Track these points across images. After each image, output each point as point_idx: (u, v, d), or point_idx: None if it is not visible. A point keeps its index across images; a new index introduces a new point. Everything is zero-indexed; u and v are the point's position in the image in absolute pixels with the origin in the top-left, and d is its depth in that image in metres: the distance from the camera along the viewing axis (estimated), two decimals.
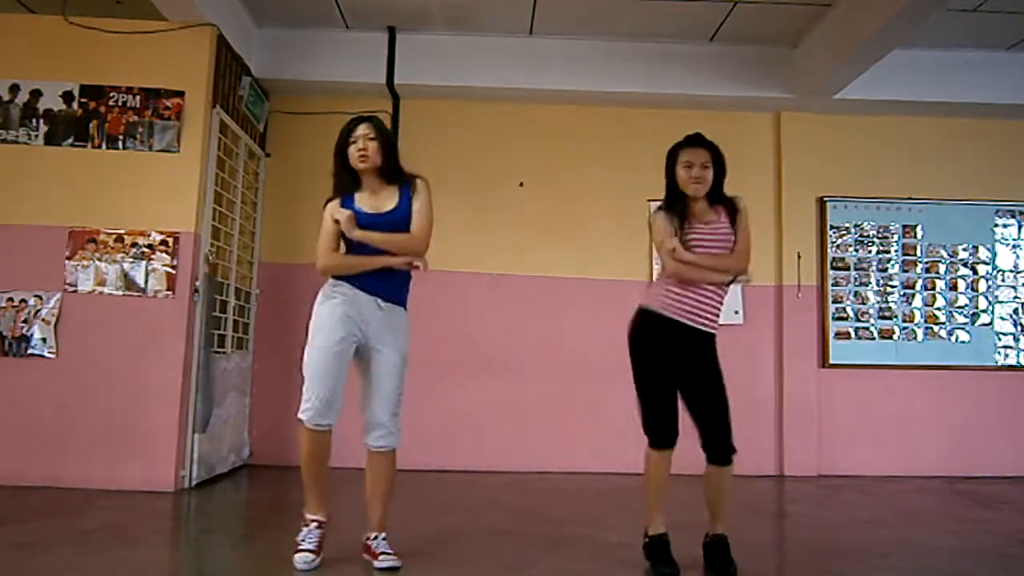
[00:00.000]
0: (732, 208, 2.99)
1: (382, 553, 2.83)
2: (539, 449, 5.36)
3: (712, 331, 2.90)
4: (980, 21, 4.96)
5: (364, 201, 2.94)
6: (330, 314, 2.85)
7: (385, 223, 2.91)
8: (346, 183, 2.97)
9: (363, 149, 2.91)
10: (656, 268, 5.54)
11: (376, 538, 2.89)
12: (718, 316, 2.93)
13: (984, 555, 3.31)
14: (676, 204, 2.95)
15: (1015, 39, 5.25)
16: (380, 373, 2.91)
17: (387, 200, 2.96)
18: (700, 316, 2.87)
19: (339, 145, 2.97)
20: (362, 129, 2.95)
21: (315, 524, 2.88)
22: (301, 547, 2.80)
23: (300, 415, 2.83)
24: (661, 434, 2.86)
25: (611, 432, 5.33)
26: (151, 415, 4.26)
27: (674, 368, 2.86)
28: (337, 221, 2.86)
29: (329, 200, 2.98)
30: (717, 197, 2.98)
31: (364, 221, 2.88)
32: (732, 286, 2.98)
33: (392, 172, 3.00)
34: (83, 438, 4.24)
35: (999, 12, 4.84)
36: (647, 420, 2.89)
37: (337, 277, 2.92)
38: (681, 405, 2.90)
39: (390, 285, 2.95)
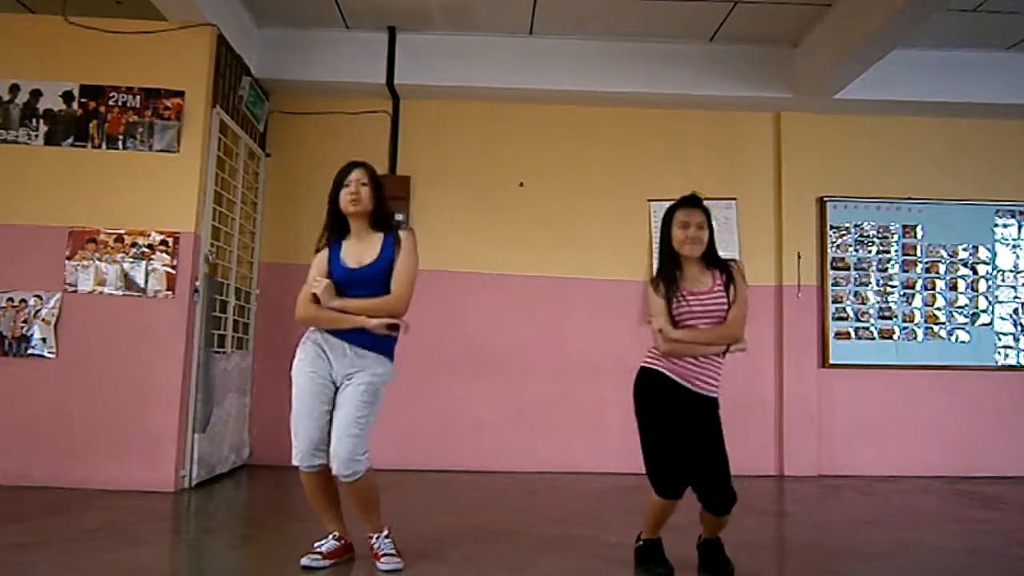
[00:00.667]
0: (727, 273, 2.92)
1: (385, 555, 2.85)
2: (539, 449, 5.36)
3: (714, 395, 2.87)
4: (980, 21, 4.96)
5: (349, 251, 2.96)
6: (304, 358, 2.89)
7: (363, 278, 2.91)
8: (336, 228, 2.99)
9: (355, 193, 2.92)
10: (655, 268, 5.55)
11: (377, 538, 2.90)
12: (719, 380, 2.89)
13: (984, 555, 3.31)
14: (670, 267, 2.91)
15: (1015, 39, 5.25)
16: (340, 403, 2.86)
17: (370, 249, 2.95)
18: (701, 381, 2.84)
19: (334, 188, 2.98)
20: (356, 174, 2.96)
21: (333, 536, 2.92)
22: (314, 549, 2.85)
23: (293, 460, 2.85)
24: (669, 486, 2.81)
25: (611, 432, 5.34)
26: (151, 415, 4.26)
27: (678, 424, 2.83)
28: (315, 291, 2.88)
29: (318, 248, 3.01)
30: (713, 259, 2.93)
31: (341, 276, 2.90)
32: (728, 355, 2.91)
33: (379, 220, 2.99)
34: (83, 438, 4.24)
35: (999, 12, 4.84)
36: (654, 472, 2.84)
37: (315, 328, 2.94)
38: None
39: (362, 335, 2.90)
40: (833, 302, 5.58)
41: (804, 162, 5.65)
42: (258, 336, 5.42)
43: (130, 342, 4.32)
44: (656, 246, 2.98)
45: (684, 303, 2.85)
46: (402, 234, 3.01)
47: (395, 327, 2.96)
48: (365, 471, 2.81)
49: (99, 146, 4.43)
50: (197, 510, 4.01)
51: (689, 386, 2.83)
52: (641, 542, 2.96)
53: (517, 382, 5.42)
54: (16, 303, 4.31)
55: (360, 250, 2.95)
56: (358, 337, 2.88)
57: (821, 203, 5.64)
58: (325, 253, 2.99)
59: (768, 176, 5.67)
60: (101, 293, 4.35)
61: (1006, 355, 5.59)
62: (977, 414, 5.52)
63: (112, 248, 4.37)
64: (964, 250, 5.67)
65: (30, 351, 4.28)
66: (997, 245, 5.69)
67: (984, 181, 5.70)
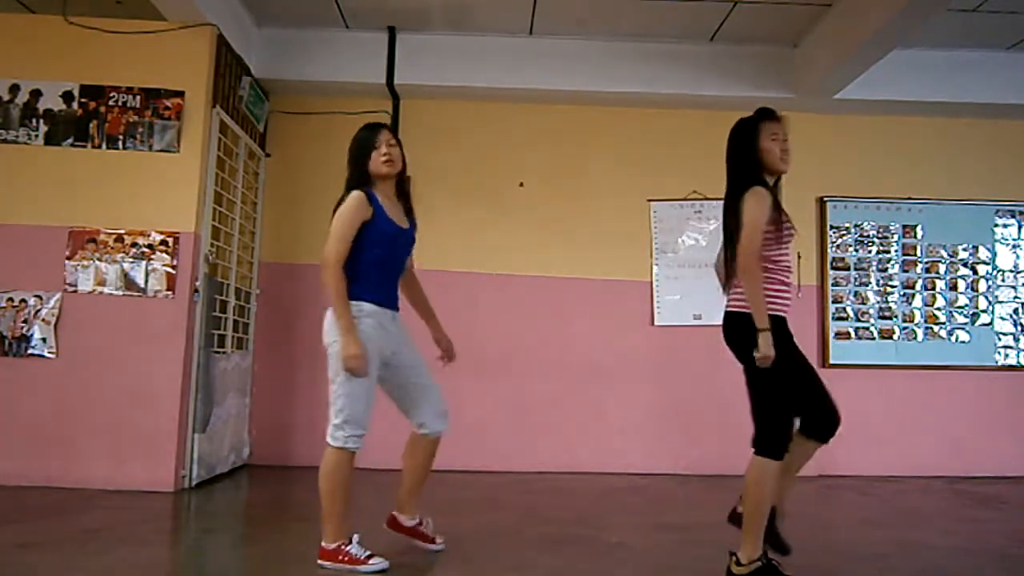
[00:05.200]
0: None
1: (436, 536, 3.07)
2: (539, 449, 5.36)
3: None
4: (980, 21, 4.96)
5: (388, 208, 2.94)
6: (365, 339, 2.79)
7: (408, 240, 3.01)
8: (357, 181, 2.95)
9: (388, 154, 2.93)
10: (655, 267, 5.55)
11: (422, 522, 3.10)
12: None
13: (984, 555, 3.31)
14: (765, 184, 2.68)
15: (1015, 39, 5.25)
16: (409, 375, 3.00)
17: (400, 215, 3.00)
18: (790, 303, 2.74)
19: (360, 150, 2.96)
20: (385, 135, 2.98)
21: (356, 538, 2.95)
22: (371, 556, 2.84)
23: (346, 444, 2.91)
24: (785, 445, 2.62)
25: (611, 432, 5.34)
26: (151, 415, 4.26)
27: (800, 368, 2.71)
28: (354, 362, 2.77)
29: (349, 190, 2.89)
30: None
31: (391, 231, 2.91)
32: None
33: (402, 186, 3.07)
34: (83, 438, 4.24)
35: (999, 12, 4.84)
36: (781, 430, 2.61)
37: (366, 296, 2.87)
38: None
39: (396, 296, 3.04)
40: (833, 302, 5.58)
41: (804, 162, 5.61)
42: (258, 336, 5.41)
43: (130, 342, 4.32)
44: (732, 164, 2.78)
45: (788, 225, 2.67)
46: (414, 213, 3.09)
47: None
48: None
49: (99, 146, 4.43)
50: (197, 510, 4.01)
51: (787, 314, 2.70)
52: (759, 561, 2.60)
53: (518, 382, 5.42)
54: (16, 303, 4.31)
55: (395, 211, 2.97)
56: (397, 300, 3.04)
57: (821, 203, 5.64)
58: (363, 198, 2.83)
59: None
60: (101, 293, 4.35)
61: (1006, 355, 5.59)
62: (977, 414, 5.51)
63: (112, 248, 4.37)
64: (964, 250, 5.67)
65: (30, 351, 4.28)
66: (997, 245, 5.69)
67: (984, 181, 5.70)
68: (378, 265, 2.90)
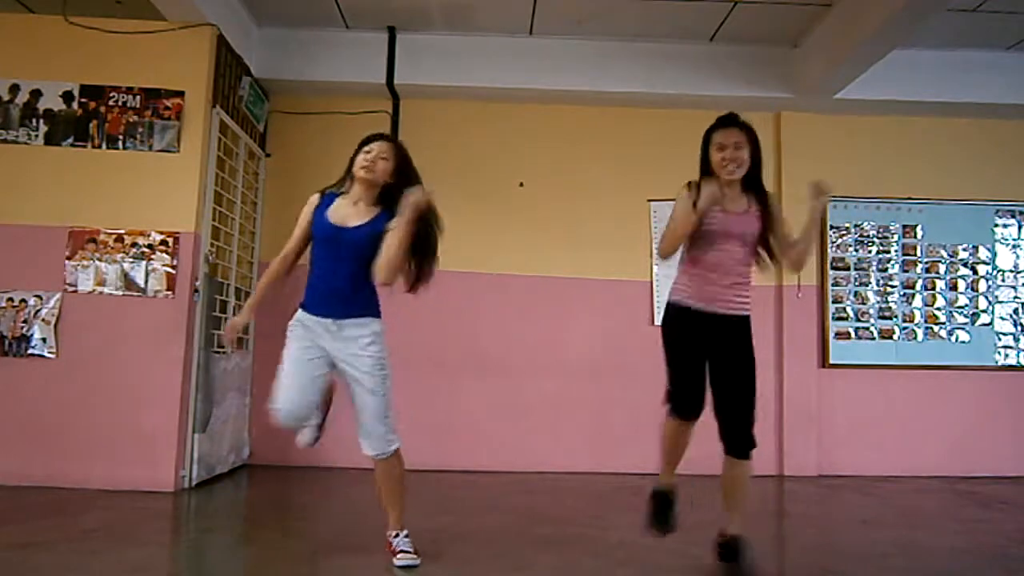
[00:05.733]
0: (764, 201, 2.89)
1: (401, 551, 2.88)
2: (539, 449, 5.36)
3: (740, 314, 2.86)
4: (980, 21, 4.96)
5: (338, 210, 2.92)
6: (287, 344, 2.96)
7: (340, 239, 2.87)
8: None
9: (371, 163, 2.88)
10: (655, 267, 5.55)
11: (396, 536, 2.94)
12: (745, 300, 2.88)
13: (984, 555, 3.31)
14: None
15: (1015, 39, 5.25)
16: (351, 388, 2.91)
17: (360, 216, 2.90)
18: (724, 301, 2.83)
19: (355, 152, 2.97)
20: (379, 145, 2.93)
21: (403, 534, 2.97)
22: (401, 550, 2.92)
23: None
24: (683, 402, 2.83)
25: (611, 432, 5.34)
26: (151, 415, 4.25)
27: (703, 351, 2.85)
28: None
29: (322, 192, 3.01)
30: (752, 183, 2.87)
31: (321, 232, 2.90)
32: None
33: (385, 198, 2.92)
34: (83, 438, 4.24)
35: (999, 12, 4.84)
36: (672, 388, 2.86)
37: (301, 304, 2.96)
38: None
39: (339, 303, 2.89)
40: (833, 302, 5.58)
41: (804, 162, 5.64)
42: (258, 336, 5.41)
43: (130, 342, 4.32)
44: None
45: (715, 219, 2.79)
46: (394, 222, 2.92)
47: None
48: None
49: (99, 146, 4.43)
50: (197, 510, 4.00)
51: (715, 309, 2.81)
52: (653, 489, 2.96)
53: (517, 382, 5.42)
54: (16, 303, 4.31)
55: (351, 212, 2.90)
56: (332, 308, 2.88)
57: None
58: (316, 200, 2.97)
59: (768, 176, 5.63)
60: (101, 293, 4.35)
61: (1006, 355, 5.59)
62: (977, 414, 5.51)
63: (112, 248, 4.37)
64: (964, 250, 5.67)
65: (30, 351, 4.28)
66: (997, 245, 5.69)
67: (984, 181, 5.70)
68: (313, 267, 2.93)
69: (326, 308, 2.87)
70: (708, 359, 2.86)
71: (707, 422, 2.91)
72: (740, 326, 2.87)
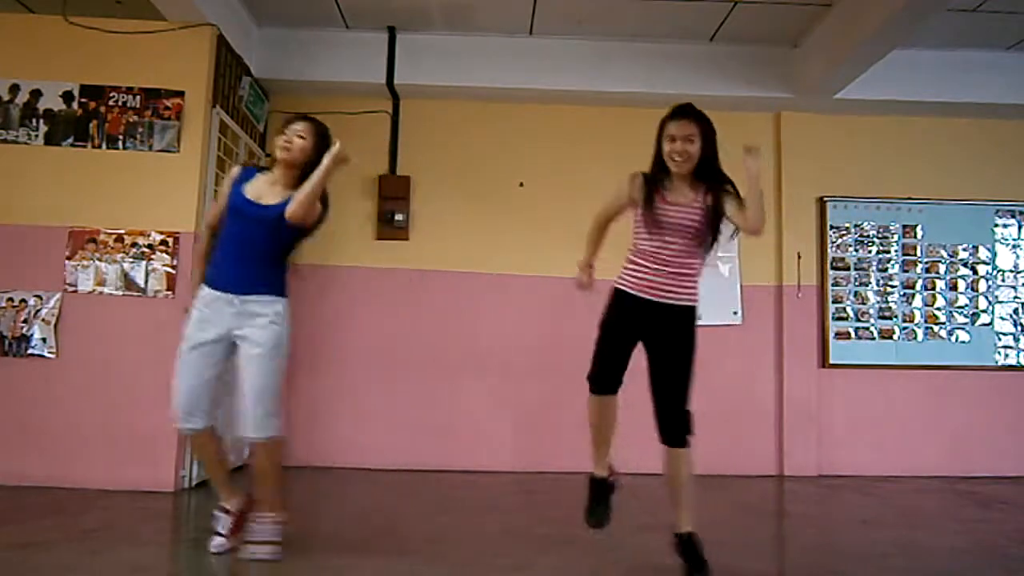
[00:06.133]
0: (717, 192, 2.82)
1: (260, 541, 2.90)
2: (539, 449, 5.36)
3: (681, 304, 2.84)
4: (980, 21, 4.96)
5: (255, 185, 2.92)
6: (188, 323, 2.94)
7: (251, 215, 2.86)
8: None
9: (289, 142, 2.90)
10: None
11: (258, 520, 2.94)
12: (689, 289, 2.87)
13: (984, 555, 3.32)
14: (657, 172, 2.89)
15: (1015, 39, 5.25)
16: (240, 364, 2.90)
17: (276, 193, 2.91)
18: (665, 291, 2.83)
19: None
20: (298, 125, 2.94)
21: (223, 509, 2.97)
22: (217, 532, 2.91)
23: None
24: (599, 377, 2.88)
25: None
26: (151, 415, 4.25)
27: (635, 336, 2.88)
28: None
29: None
30: (705, 174, 2.83)
31: (234, 204, 2.90)
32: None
33: (303, 176, 2.91)
34: (83, 438, 4.24)
35: (999, 12, 4.84)
36: (592, 365, 2.91)
37: (205, 280, 2.94)
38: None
39: (244, 279, 2.88)
40: (833, 302, 5.58)
41: (804, 162, 5.65)
42: None
43: (130, 342, 4.32)
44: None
45: (657, 209, 2.81)
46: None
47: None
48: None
49: (99, 146, 4.43)
50: (197, 510, 4.00)
51: (655, 297, 2.83)
52: (590, 478, 3.01)
53: (517, 382, 5.41)
54: (16, 303, 4.31)
55: (267, 190, 2.90)
56: (239, 283, 2.86)
57: (821, 203, 5.64)
58: (236, 173, 2.99)
59: (768, 176, 5.67)
60: (101, 293, 4.35)
61: (1006, 355, 5.59)
62: (977, 414, 5.51)
63: (112, 248, 4.37)
64: (964, 250, 5.67)
65: (30, 351, 4.28)
66: (997, 245, 5.69)
67: (984, 181, 5.70)
68: (221, 241, 2.92)
69: (230, 283, 2.85)
70: (645, 346, 2.88)
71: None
72: (682, 315, 2.85)
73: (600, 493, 2.98)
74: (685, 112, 2.85)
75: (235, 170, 3.01)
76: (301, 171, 2.90)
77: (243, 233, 2.87)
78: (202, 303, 2.90)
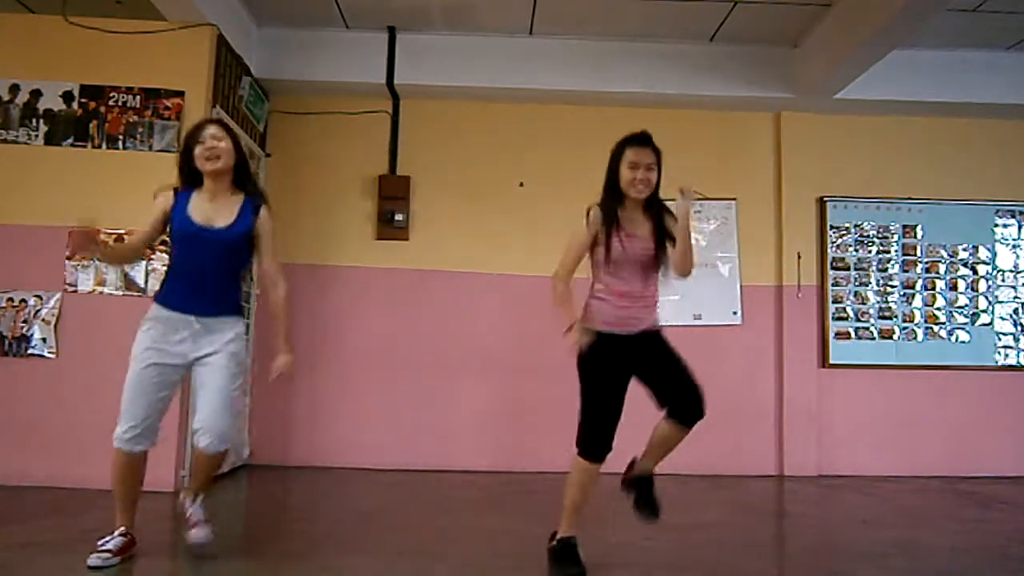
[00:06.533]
0: (659, 215, 2.88)
1: (196, 524, 2.93)
2: (539, 449, 5.36)
3: (652, 329, 2.88)
4: (980, 21, 4.96)
5: (198, 208, 2.85)
6: (140, 341, 2.89)
7: (209, 239, 2.83)
8: (189, 183, 2.91)
9: (211, 149, 2.82)
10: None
11: (195, 501, 2.96)
12: (654, 312, 2.91)
13: (984, 555, 3.31)
14: (611, 204, 2.85)
15: (1015, 39, 5.25)
16: (202, 382, 2.88)
17: (223, 212, 2.87)
18: (636, 320, 2.85)
19: (185, 149, 2.91)
20: (212, 129, 2.87)
21: (120, 532, 2.87)
22: (101, 548, 2.79)
23: (114, 440, 2.83)
24: (597, 443, 2.82)
25: None
26: None
27: (623, 375, 2.83)
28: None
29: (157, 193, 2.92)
30: (652, 203, 2.88)
31: (184, 231, 2.82)
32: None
33: (241, 178, 2.92)
34: (83, 438, 4.22)
35: (999, 12, 4.84)
36: (584, 431, 2.84)
37: (158, 299, 2.90)
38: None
39: (208, 300, 2.87)
40: (833, 302, 5.58)
41: (804, 162, 5.65)
42: (258, 336, 5.41)
43: (130, 342, 4.24)
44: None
45: (620, 244, 2.80)
46: (263, 213, 2.95)
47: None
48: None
49: (99, 146, 4.43)
50: None
51: (627, 331, 2.82)
52: (556, 542, 2.89)
53: (517, 382, 5.41)
54: (16, 303, 4.31)
55: (212, 209, 2.85)
56: (200, 305, 2.84)
57: (821, 203, 5.64)
58: (169, 197, 2.87)
59: (768, 176, 5.67)
60: (101, 293, 4.35)
61: (1006, 355, 5.59)
62: (977, 414, 5.51)
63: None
64: (964, 250, 5.67)
65: (30, 351, 4.28)
66: (997, 245, 5.69)
67: (984, 181, 5.70)
68: (177, 263, 2.87)
69: (191, 305, 2.83)
70: (634, 374, 2.85)
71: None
72: (655, 337, 2.89)
73: (573, 552, 2.86)
74: (646, 140, 2.86)
75: (165, 198, 2.90)
76: (232, 173, 2.90)
77: (201, 258, 2.84)
78: (159, 323, 2.86)
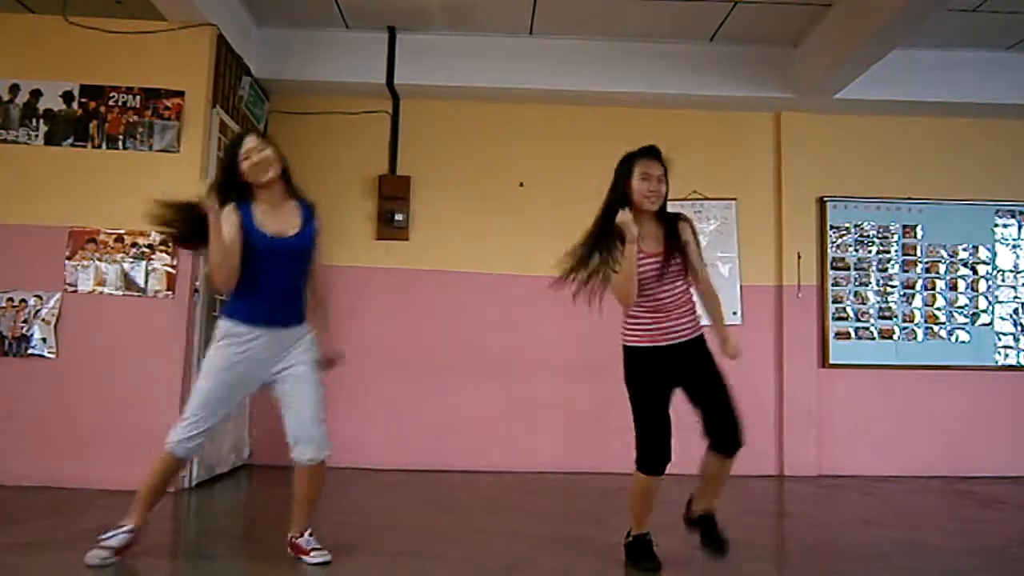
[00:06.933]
0: (675, 232, 2.90)
1: (313, 549, 2.87)
2: (539, 449, 5.36)
3: (694, 336, 2.89)
4: (980, 21, 4.96)
5: (266, 218, 2.81)
6: (223, 356, 2.81)
7: (288, 247, 2.82)
8: (232, 197, 2.82)
9: (261, 160, 2.78)
10: None
11: (302, 536, 2.91)
12: (695, 318, 2.92)
13: (984, 555, 3.31)
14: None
15: (1015, 39, 5.25)
16: (291, 390, 2.86)
17: (290, 220, 2.86)
18: (679, 329, 2.86)
19: (228, 160, 2.85)
20: (251, 141, 2.83)
21: (128, 528, 2.87)
22: (102, 543, 2.79)
23: (169, 444, 2.80)
24: (652, 458, 2.83)
25: (611, 432, 5.33)
26: (151, 415, 4.24)
27: (669, 389, 2.85)
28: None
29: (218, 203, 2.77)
30: (663, 213, 2.91)
31: (268, 246, 2.78)
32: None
33: (291, 184, 2.92)
34: (83, 438, 4.24)
35: (999, 12, 4.84)
36: (640, 447, 2.86)
37: (230, 315, 2.83)
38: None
39: (288, 311, 2.87)
40: (833, 302, 5.58)
41: (804, 162, 5.65)
42: None
43: (130, 342, 4.32)
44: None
45: (643, 265, 2.82)
46: (318, 213, 2.97)
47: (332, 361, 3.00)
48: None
49: (99, 146, 4.43)
50: (197, 510, 4.01)
51: (672, 342, 2.84)
52: (630, 538, 2.97)
53: (517, 382, 5.42)
54: (16, 303, 4.31)
55: (279, 219, 2.83)
56: (286, 317, 2.85)
57: (821, 203, 5.64)
58: (230, 210, 2.76)
59: (768, 176, 5.67)
60: (101, 293, 4.35)
61: (1006, 355, 5.59)
62: (977, 414, 5.51)
63: (112, 248, 4.37)
64: (964, 250, 5.67)
65: (30, 351, 4.28)
66: (997, 245, 5.69)
67: (984, 181, 5.70)
68: (256, 277, 2.80)
69: (277, 317, 2.83)
70: (679, 386, 2.86)
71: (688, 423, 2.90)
72: (697, 345, 2.89)
73: (647, 548, 2.94)
74: (656, 152, 2.91)
75: (230, 211, 2.78)
76: (283, 181, 2.90)
77: (279, 270, 2.82)
78: (241, 340, 2.80)
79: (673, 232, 2.89)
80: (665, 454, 2.83)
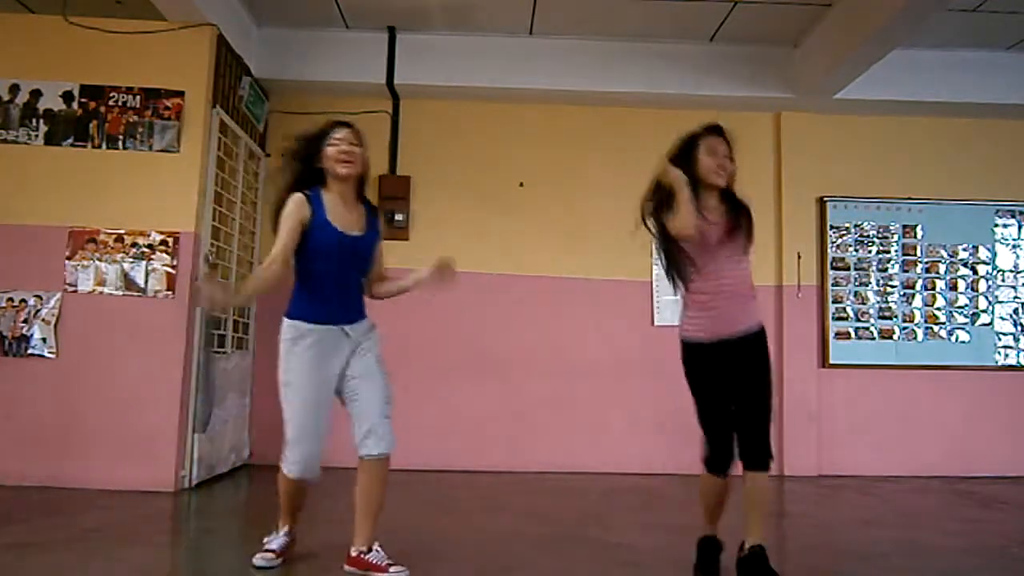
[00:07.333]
0: (737, 209, 2.85)
1: (390, 565, 2.69)
2: (539, 449, 5.36)
3: (753, 329, 2.76)
4: (980, 21, 4.96)
5: (335, 214, 2.76)
6: (297, 364, 2.73)
7: (357, 247, 2.80)
8: (304, 181, 2.78)
9: (349, 152, 2.75)
10: (656, 268, 5.55)
11: (371, 551, 2.72)
12: (752, 311, 2.80)
13: (984, 555, 3.31)
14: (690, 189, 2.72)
15: (1015, 39, 5.25)
16: (360, 385, 2.77)
17: (358, 219, 2.82)
18: (732, 325, 2.74)
19: (312, 143, 2.83)
20: (345, 132, 2.81)
21: (285, 532, 2.89)
22: (267, 547, 2.82)
23: (285, 470, 2.78)
24: (713, 459, 2.77)
25: (611, 432, 5.34)
26: (151, 415, 4.26)
27: (724, 387, 2.74)
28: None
29: (289, 191, 2.77)
30: (729, 194, 2.84)
31: (336, 241, 2.72)
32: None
33: (362, 189, 2.91)
34: (83, 438, 4.24)
35: (999, 12, 4.84)
36: (704, 446, 2.79)
37: (295, 315, 2.76)
38: None
39: (352, 307, 2.83)
40: (833, 302, 5.58)
41: (804, 162, 5.65)
42: (258, 336, 5.41)
43: (130, 342, 4.32)
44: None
45: (705, 232, 2.73)
46: (382, 218, 2.99)
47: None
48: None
49: (99, 146, 4.43)
50: (197, 510, 4.01)
51: (728, 336, 2.72)
52: (700, 536, 2.87)
53: (517, 382, 5.42)
54: (16, 303, 4.31)
55: (348, 216, 2.78)
56: (348, 314, 2.81)
57: (821, 203, 5.64)
58: (304, 204, 2.70)
59: (768, 176, 5.67)
60: (101, 293, 4.35)
61: (1006, 355, 5.59)
62: (977, 414, 5.52)
63: (112, 248, 4.37)
64: (964, 250, 5.67)
65: (30, 351, 4.28)
66: (997, 245, 5.69)
67: (984, 181, 5.70)
68: (319, 275, 2.75)
69: (341, 315, 2.78)
70: (728, 382, 2.75)
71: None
72: (756, 340, 2.77)
73: (712, 548, 2.84)
74: (721, 130, 2.89)
75: (301, 205, 2.72)
76: (359, 183, 2.89)
77: (345, 267, 2.80)
78: (311, 341, 2.72)
79: (737, 212, 2.82)
80: (727, 453, 2.74)
